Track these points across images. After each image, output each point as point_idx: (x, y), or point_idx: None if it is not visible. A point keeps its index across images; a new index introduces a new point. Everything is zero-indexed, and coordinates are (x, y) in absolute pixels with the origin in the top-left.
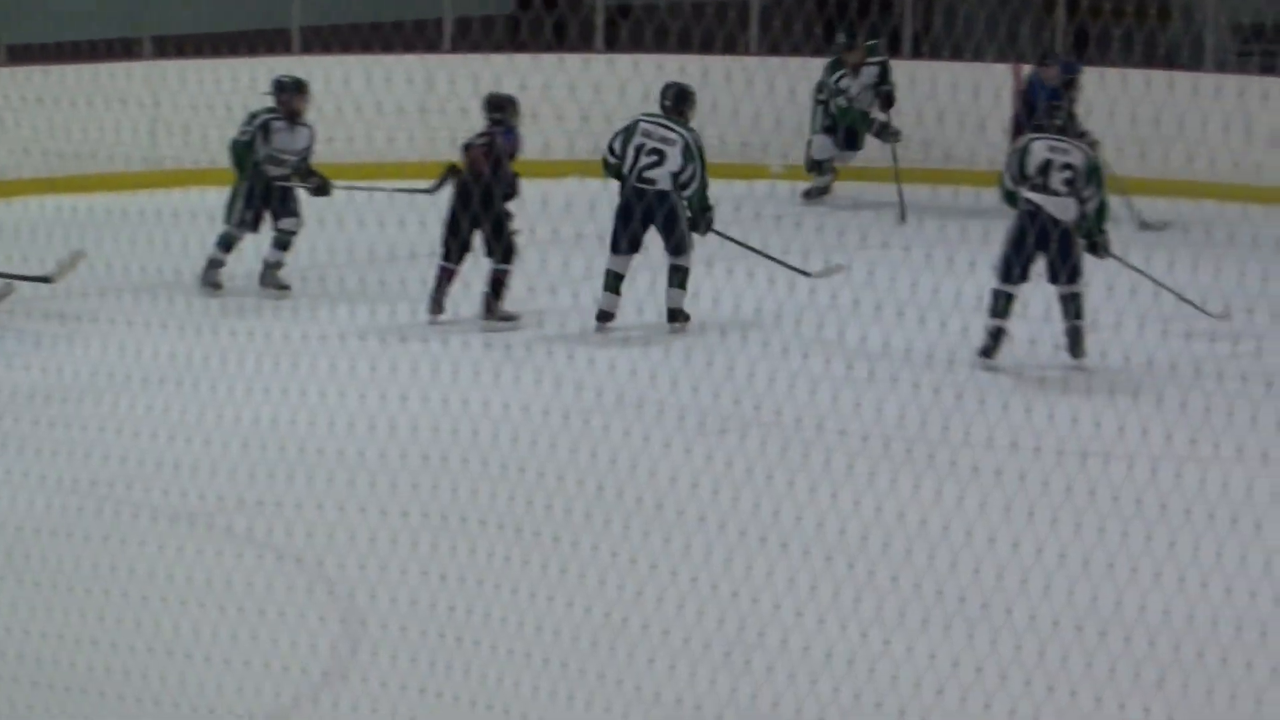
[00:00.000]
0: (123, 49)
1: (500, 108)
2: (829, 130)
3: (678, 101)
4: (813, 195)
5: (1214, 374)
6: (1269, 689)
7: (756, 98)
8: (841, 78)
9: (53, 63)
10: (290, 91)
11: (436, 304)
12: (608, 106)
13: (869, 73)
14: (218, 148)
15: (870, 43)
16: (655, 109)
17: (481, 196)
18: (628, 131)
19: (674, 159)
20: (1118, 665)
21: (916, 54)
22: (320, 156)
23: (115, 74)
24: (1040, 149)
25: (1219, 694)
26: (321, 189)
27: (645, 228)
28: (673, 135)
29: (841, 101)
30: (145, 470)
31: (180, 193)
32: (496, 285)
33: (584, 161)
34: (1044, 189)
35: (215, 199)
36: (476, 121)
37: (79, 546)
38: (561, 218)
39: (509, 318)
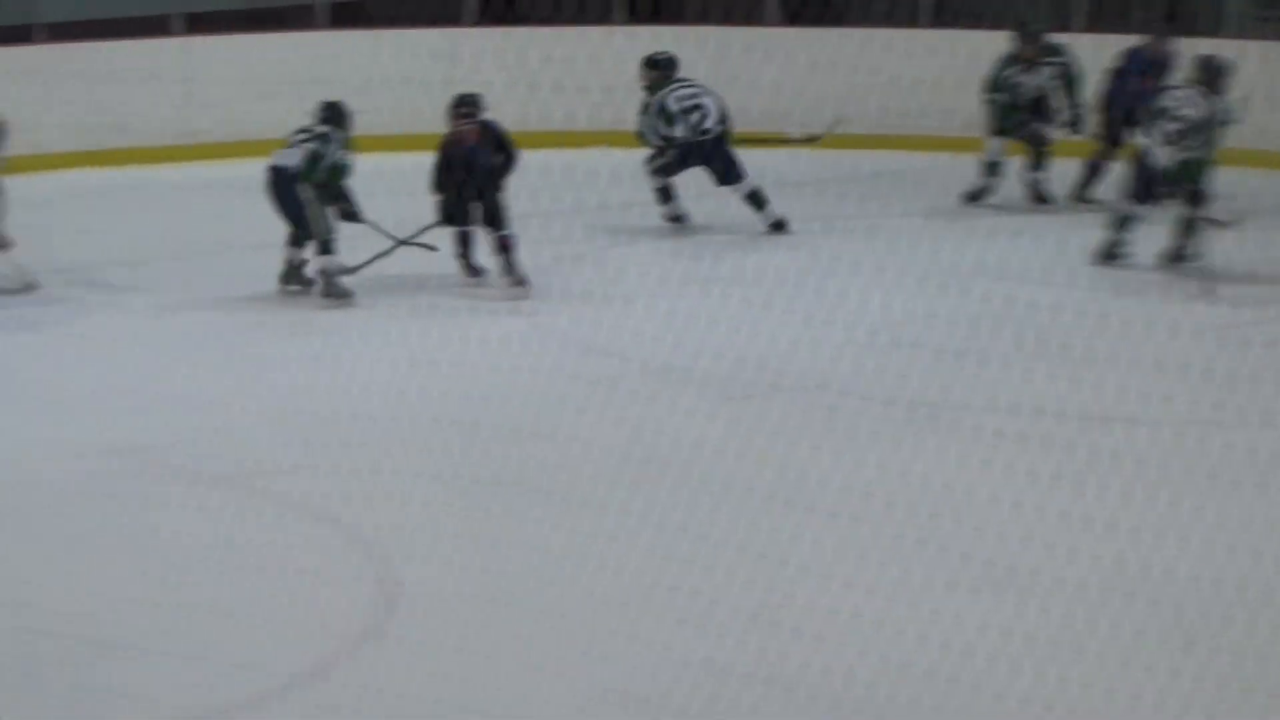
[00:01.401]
0: (157, 26)
1: (475, 104)
2: (1002, 132)
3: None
4: (975, 197)
5: (1238, 341)
6: None
7: (775, 68)
8: (1013, 74)
9: (93, 39)
10: (351, 118)
11: (470, 268)
12: (629, 78)
13: (1045, 73)
14: (245, 121)
15: (1050, 41)
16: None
17: (466, 164)
18: (661, 108)
19: (713, 109)
20: (1145, 629)
21: (938, 21)
22: None
23: (146, 50)
24: (1163, 98)
25: (1248, 658)
26: (351, 216)
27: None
28: (698, 88)
29: (1000, 97)
30: (181, 436)
31: (208, 165)
32: (506, 250)
33: (608, 132)
34: (1151, 133)
35: (242, 171)
36: (496, 92)
37: (118, 508)
38: (585, 187)
39: (520, 283)
